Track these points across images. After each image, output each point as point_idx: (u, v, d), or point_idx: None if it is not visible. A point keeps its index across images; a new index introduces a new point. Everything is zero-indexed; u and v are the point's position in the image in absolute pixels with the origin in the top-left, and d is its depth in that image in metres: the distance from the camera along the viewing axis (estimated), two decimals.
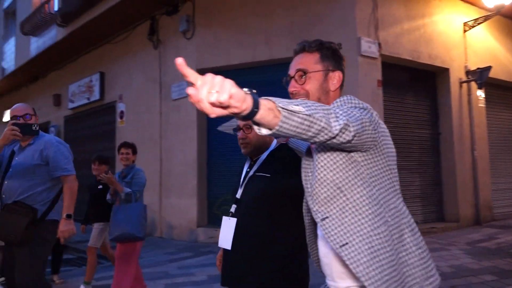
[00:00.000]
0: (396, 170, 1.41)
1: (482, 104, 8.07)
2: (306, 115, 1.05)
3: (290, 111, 1.03)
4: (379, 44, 6.43)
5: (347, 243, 1.26)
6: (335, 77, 1.47)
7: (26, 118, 2.91)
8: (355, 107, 1.31)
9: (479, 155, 7.71)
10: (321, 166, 1.30)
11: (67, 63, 11.60)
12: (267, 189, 1.87)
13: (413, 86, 7.45)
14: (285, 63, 6.24)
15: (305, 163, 1.44)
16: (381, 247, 1.24)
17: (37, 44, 11.56)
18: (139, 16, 8.60)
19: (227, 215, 2.01)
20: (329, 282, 1.44)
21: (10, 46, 13.83)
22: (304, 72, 1.47)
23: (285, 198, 1.86)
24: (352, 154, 1.31)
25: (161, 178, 8.06)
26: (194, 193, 7.34)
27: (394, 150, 1.44)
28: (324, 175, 1.30)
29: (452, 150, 7.45)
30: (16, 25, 13.27)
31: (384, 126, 1.42)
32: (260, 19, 6.96)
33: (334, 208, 1.30)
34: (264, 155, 2.00)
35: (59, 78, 12.07)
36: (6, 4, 14.47)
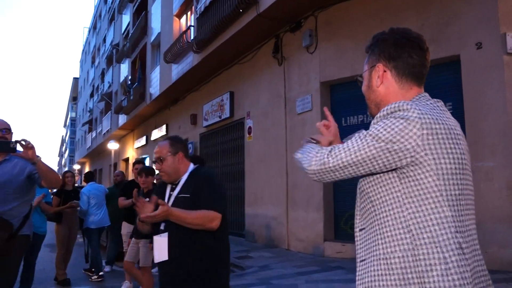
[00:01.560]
0: (457, 192, 1.17)
1: None
2: (297, 158, 1.37)
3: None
4: None
5: (364, 259, 1.26)
6: (377, 72, 1.36)
7: (2, 132, 2.99)
8: (391, 119, 1.21)
9: None
10: (362, 176, 1.29)
11: (202, 85, 12.76)
12: (188, 208, 2.11)
13: None
14: None
15: None
16: (385, 273, 1.18)
17: (177, 71, 12.97)
18: (264, 36, 9.03)
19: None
20: None
21: (155, 74, 15.80)
22: (360, 75, 1.47)
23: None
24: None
25: (287, 191, 8.21)
26: (320, 207, 7.29)
27: (458, 167, 1.19)
28: (362, 185, 1.29)
29: None
30: (160, 55, 15.13)
31: (452, 136, 1.20)
32: (386, 26, 6.59)
33: (368, 221, 1.28)
34: (183, 179, 2.30)
35: (195, 99, 13.33)
36: (152, 38, 16.64)
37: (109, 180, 26.77)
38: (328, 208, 7.32)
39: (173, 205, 2.20)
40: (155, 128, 17.62)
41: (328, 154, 1.25)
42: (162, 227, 2.23)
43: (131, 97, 18.08)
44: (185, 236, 2.15)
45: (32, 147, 2.79)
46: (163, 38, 15.09)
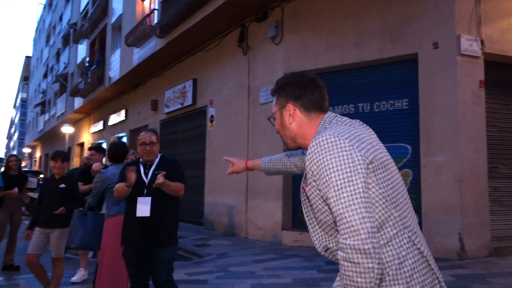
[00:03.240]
0: (394, 194, 1.33)
1: None
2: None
3: None
4: (482, 42, 5.91)
5: None
6: (287, 111, 1.51)
7: None
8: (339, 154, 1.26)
9: None
10: (318, 210, 1.37)
11: (164, 71, 12.51)
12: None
13: None
14: (376, 66, 6.14)
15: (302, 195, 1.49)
16: None
17: (138, 55, 12.62)
18: (230, 24, 8.97)
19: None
20: None
21: (116, 57, 15.29)
22: (271, 116, 1.61)
23: None
24: None
25: (247, 180, 8.28)
26: (280, 196, 7.41)
27: (387, 172, 1.34)
28: (322, 216, 1.37)
29: None
30: (121, 38, 14.66)
31: (375, 143, 1.38)
32: (349, 21, 6.83)
33: (334, 238, 1.39)
34: (156, 161, 3.23)
35: (156, 85, 13.06)
36: (113, 20, 16.06)
37: None
38: (287, 197, 7.47)
39: (151, 178, 3.12)
40: (113, 113, 17.11)
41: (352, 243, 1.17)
42: (144, 192, 3.10)
43: (89, 80, 17.42)
44: (162, 200, 3.11)
45: None
46: (125, 20, 14.61)
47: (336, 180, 1.23)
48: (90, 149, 5.76)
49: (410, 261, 1.25)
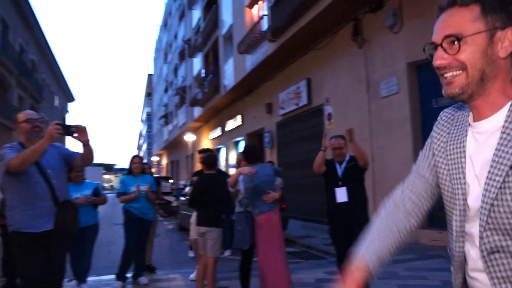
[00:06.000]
0: None
1: None
2: None
3: None
4: None
5: None
6: (507, 38, 0.96)
7: (39, 121, 3.05)
8: None
9: None
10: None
11: (276, 73, 12.81)
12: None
13: None
14: None
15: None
16: None
17: (251, 61, 13.13)
18: (342, 19, 8.80)
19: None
20: None
21: (229, 66, 16.14)
22: (457, 37, 0.98)
23: (360, 174, 4.24)
24: None
25: (374, 178, 8.01)
26: None
27: None
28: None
29: None
30: (233, 46, 15.42)
31: None
32: None
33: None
34: (345, 160, 4.21)
35: (270, 88, 13.42)
36: (224, 31, 16.99)
37: (187, 171, 28.03)
38: None
39: (343, 172, 4.13)
40: (230, 118, 18.06)
41: None
42: (340, 183, 4.07)
43: (206, 90, 18.66)
44: (353, 187, 4.05)
45: (86, 130, 2.95)
46: (235, 30, 15.33)
47: None
48: (200, 152, 5.98)
49: None
